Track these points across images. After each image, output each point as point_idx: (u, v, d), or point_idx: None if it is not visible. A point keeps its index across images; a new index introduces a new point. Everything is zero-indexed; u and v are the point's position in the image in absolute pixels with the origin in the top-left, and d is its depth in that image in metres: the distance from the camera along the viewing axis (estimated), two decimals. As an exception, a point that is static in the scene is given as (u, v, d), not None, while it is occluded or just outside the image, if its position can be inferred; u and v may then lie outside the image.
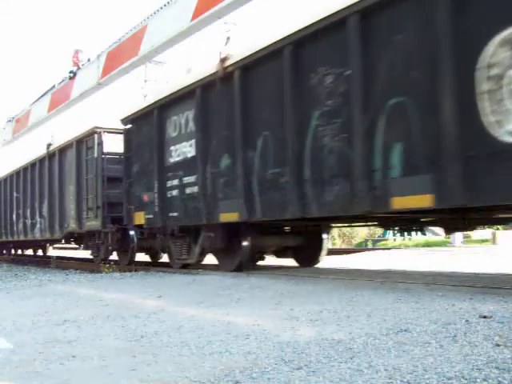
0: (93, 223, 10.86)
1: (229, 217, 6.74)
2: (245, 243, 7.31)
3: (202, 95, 7.26)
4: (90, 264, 11.51)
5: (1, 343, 3.25)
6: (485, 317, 3.06)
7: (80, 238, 12.61)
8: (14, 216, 16.00)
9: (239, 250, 7.33)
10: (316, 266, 8.37)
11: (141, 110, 8.99)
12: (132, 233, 10.06)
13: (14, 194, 15.93)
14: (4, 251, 20.69)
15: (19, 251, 20.74)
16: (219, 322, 3.53)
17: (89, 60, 10.67)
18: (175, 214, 7.90)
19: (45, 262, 13.95)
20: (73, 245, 15.50)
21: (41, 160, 14.00)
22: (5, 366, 2.67)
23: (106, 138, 10.76)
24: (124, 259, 10.51)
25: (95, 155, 10.72)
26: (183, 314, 3.98)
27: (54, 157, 13.02)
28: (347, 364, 2.32)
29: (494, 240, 14.98)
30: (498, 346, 2.43)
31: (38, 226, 14.09)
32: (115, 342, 3.11)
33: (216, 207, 6.96)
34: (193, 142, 7.45)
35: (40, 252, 20.73)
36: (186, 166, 7.58)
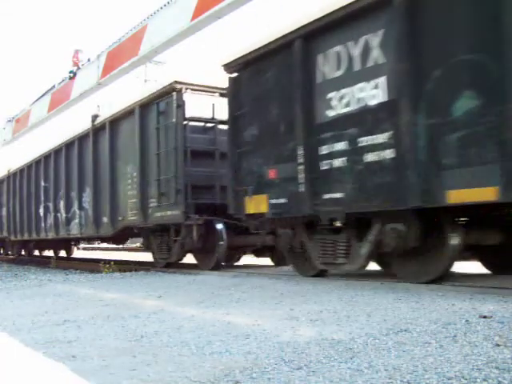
0: (167, 213, 8.12)
1: (474, 195, 4.12)
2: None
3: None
4: (90, 264, 11.47)
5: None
6: (485, 317, 3.06)
7: (139, 235, 10.01)
8: (41, 210, 13.43)
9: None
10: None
11: (263, 46, 6.27)
12: (220, 226, 7.74)
13: (41, 184, 13.31)
14: (19, 251, 17.82)
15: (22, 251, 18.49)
16: (219, 322, 3.53)
17: (89, 60, 10.68)
18: (339, 196, 5.28)
19: (45, 262, 13.92)
20: (103, 244, 15.26)
21: (81, 137, 11.21)
22: (5, 366, 2.67)
23: (187, 97, 8.08)
24: (206, 263, 8.12)
25: (173, 120, 7.96)
26: (183, 313, 3.98)
27: (103, 131, 10.19)
28: (347, 364, 2.31)
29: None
30: (498, 345, 2.43)
31: (75, 220, 11.46)
32: (115, 342, 3.11)
33: (439, 181, 4.39)
34: (382, 80, 4.88)
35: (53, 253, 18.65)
36: (366, 119, 5.05)
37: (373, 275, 6.05)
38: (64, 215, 12.09)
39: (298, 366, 2.34)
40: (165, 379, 2.26)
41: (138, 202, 8.83)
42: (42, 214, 13.46)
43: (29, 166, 14.49)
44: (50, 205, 12.87)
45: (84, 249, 19.35)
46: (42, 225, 13.42)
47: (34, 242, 15.54)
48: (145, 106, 8.82)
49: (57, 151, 12.65)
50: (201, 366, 2.44)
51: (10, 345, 3.19)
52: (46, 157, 13.23)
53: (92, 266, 10.88)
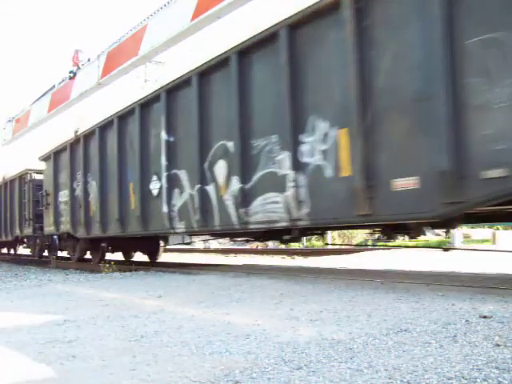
0: None
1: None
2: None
3: None
4: (90, 264, 11.46)
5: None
6: (485, 317, 3.06)
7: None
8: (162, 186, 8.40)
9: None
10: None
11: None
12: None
13: (163, 137, 7.68)
14: (82, 252, 11.94)
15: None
16: (219, 322, 3.53)
17: (89, 60, 10.70)
18: None
19: (45, 262, 13.92)
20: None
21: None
22: (5, 366, 2.67)
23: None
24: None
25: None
26: (183, 313, 3.98)
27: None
28: (347, 364, 2.32)
29: (493, 240, 14.99)
30: (498, 345, 2.43)
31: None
32: (115, 341, 3.11)
33: None
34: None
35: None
36: None
37: (372, 275, 6.05)
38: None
39: (298, 365, 2.34)
40: (165, 379, 2.26)
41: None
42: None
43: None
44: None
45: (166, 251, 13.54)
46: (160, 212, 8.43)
47: (107, 240, 10.89)
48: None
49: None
50: (201, 366, 2.44)
51: (9, 345, 3.19)
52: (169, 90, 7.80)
53: (92, 266, 10.88)
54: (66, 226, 11.51)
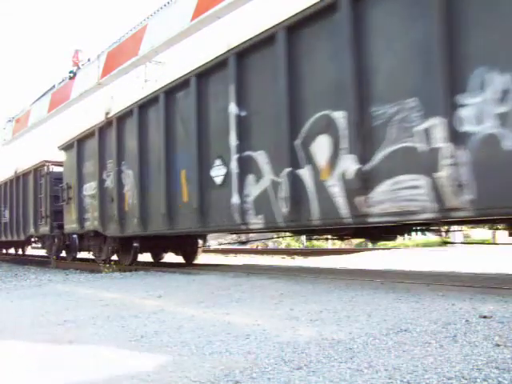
0: None
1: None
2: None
3: None
4: (90, 264, 11.45)
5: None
6: (485, 317, 3.06)
7: None
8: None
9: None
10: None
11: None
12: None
13: (232, 111, 6.40)
14: (109, 253, 10.20)
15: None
16: (219, 322, 3.53)
17: (89, 60, 10.70)
18: None
19: (45, 262, 13.91)
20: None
21: None
22: (5, 366, 2.67)
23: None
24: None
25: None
26: (183, 313, 3.98)
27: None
28: (347, 364, 2.32)
29: (494, 240, 14.99)
30: (498, 345, 2.43)
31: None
32: (115, 342, 3.11)
33: None
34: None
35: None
36: None
37: (372, 275, 6.05)
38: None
39: (298, 365, 2.34)
40: (165, 379, 2.26)
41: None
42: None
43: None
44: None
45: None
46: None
47: (140, 239, 9.49)
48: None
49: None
50: (201, 366, 2.44)
51: (9, 345, 3.19)
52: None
53: (92, 266, 10.88)
54: (92, 223, 10.18)
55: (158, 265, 10.09)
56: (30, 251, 19.98)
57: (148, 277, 7.45)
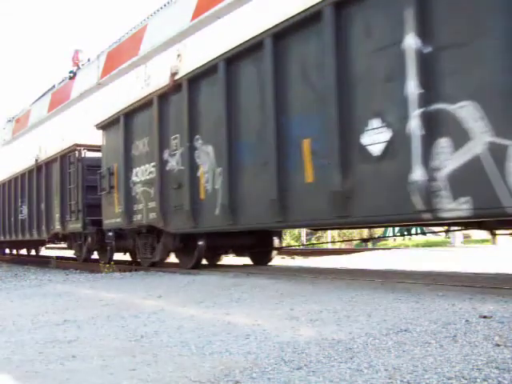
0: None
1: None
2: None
3: None
4: (90, 264, 11.41)
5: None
6: (485, 317, 3.06)
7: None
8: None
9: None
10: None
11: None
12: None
13: (410, 47, 4.51)
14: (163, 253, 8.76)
15: None
16: (219, 321, 3.53)
17: (89, 60, 10.70)
18: None
19: (45, 262, 13.90)
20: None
21: None
22: (5, 366, 2.67)
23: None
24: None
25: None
26: (183, 313, 3.98)
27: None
28: (347, 364, 2.32)
29: (493, 240, 14.97)
30: (498, 345, 2.43)
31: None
32: (115, 342, 3.11)
33: None
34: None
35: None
36: None
37: (372, 275, 6.05)
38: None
39: (298, 366, 2.34)
40: (165, 379, 2.26)
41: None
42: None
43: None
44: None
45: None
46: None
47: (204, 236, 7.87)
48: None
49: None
50: (201, 366, 2.44)
51: (9, 345, 3.19)
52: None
53: (92, 266, 10.86)
54: (145, 217, 8.31)
55: (217, 267, 8.67)
56: (45, 252, 19.06)
57: (148, 277, 7.45)
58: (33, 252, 18.73)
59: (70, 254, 13.64)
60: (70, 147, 11.60)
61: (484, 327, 2.82)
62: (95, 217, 10.54)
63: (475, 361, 2.21)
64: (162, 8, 8.09)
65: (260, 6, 8.30)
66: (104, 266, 9.27)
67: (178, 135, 7.48)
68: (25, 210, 14.53)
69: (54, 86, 12.22)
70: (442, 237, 17.53)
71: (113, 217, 9.37)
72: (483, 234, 16.79)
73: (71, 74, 11.10)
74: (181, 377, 2.28)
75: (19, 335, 3.48)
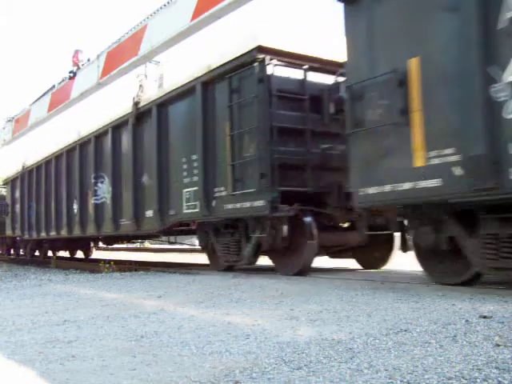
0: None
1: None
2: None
3: None
4: (90, 264, 11.38)
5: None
6: (485, 317, 3.06)
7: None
8: None
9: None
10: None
11: None
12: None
13: None
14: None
15: None
16: (219, 321, 3.53)
17: (89, 60, 10.69)
18: None
19: (45, 262, 13.88)
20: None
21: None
22: (5, 366, 2.67)
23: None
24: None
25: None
26: (183, 313, 3.98)
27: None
28: (347, 364, 2.31)
29: None
30: (498, 346, 2.43)
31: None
32: (115, 342, 3.11)
33: None
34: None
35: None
36: None
37: (372, 275, 6.04)
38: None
39: (298, 366, 2.34)
40: (165, 379, 2.26)
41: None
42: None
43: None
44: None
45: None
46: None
47: None
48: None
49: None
50: (201, 366, 2.44)
51: (9, 344, 3.19)
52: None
53: (92, 266, 10.85)
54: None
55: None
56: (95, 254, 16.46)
57: (148, 277, 7.45)
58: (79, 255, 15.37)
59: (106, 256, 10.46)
60: (241, 55, 6.58)
61: (484, 327, 2.82)
62: (291, 186, 6.37)
63: (475, 361, 2.21)
64: (161, 8, 8.08)
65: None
66: (104, 265, 9.24)
67: None
68: (103, 188, 10.34)
69: (53, 86, 12.21)
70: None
71: (405, 178, 4.51)
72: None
73: (71, 74, 11.09)
74: (181, 377, 2.28)
75: (19, 335, 3.48)
